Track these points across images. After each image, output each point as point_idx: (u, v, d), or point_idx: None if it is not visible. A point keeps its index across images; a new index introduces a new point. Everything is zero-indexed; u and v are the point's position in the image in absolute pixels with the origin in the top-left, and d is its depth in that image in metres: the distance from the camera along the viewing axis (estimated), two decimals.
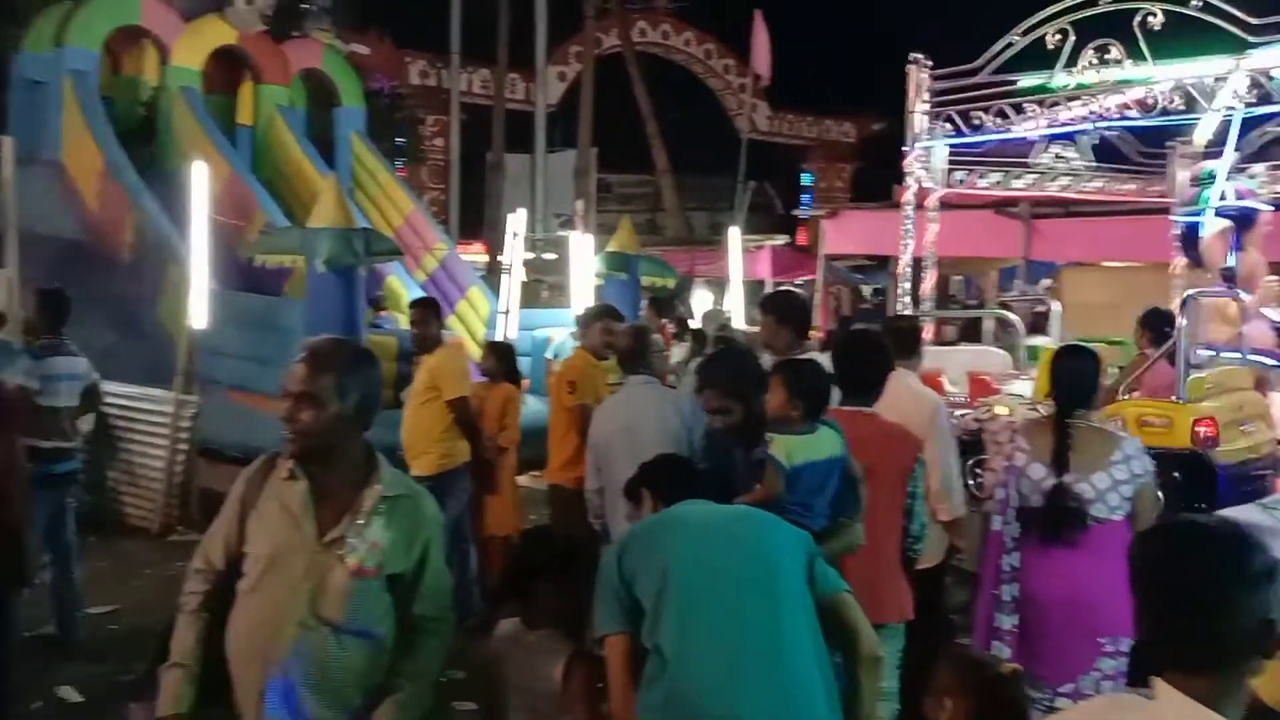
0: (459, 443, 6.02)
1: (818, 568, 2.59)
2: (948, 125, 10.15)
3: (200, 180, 7.76)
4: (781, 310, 4.35)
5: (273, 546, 2.48)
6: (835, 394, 3.61)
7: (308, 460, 2.51)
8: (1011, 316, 11.60)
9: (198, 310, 7.79)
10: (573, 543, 3.28)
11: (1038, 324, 12.59)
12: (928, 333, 10.85)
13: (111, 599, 6.06)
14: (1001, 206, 15.26)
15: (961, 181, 11.43)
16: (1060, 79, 9.26)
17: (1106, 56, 8.93)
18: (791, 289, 11.08)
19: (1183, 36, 8.92)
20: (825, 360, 3.79)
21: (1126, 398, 6.67)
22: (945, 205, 11.47)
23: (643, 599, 2.49)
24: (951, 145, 10.66)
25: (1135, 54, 8.87)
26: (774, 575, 2.51)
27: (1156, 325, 6.86)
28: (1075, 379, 3.78)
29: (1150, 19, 8.74)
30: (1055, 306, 11.26)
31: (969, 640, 4.78)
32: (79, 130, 11.55)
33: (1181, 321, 6.53)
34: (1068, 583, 3.65)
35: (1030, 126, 9.39)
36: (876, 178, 23.56)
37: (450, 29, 20.10)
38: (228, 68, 13.25)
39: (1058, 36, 9.22)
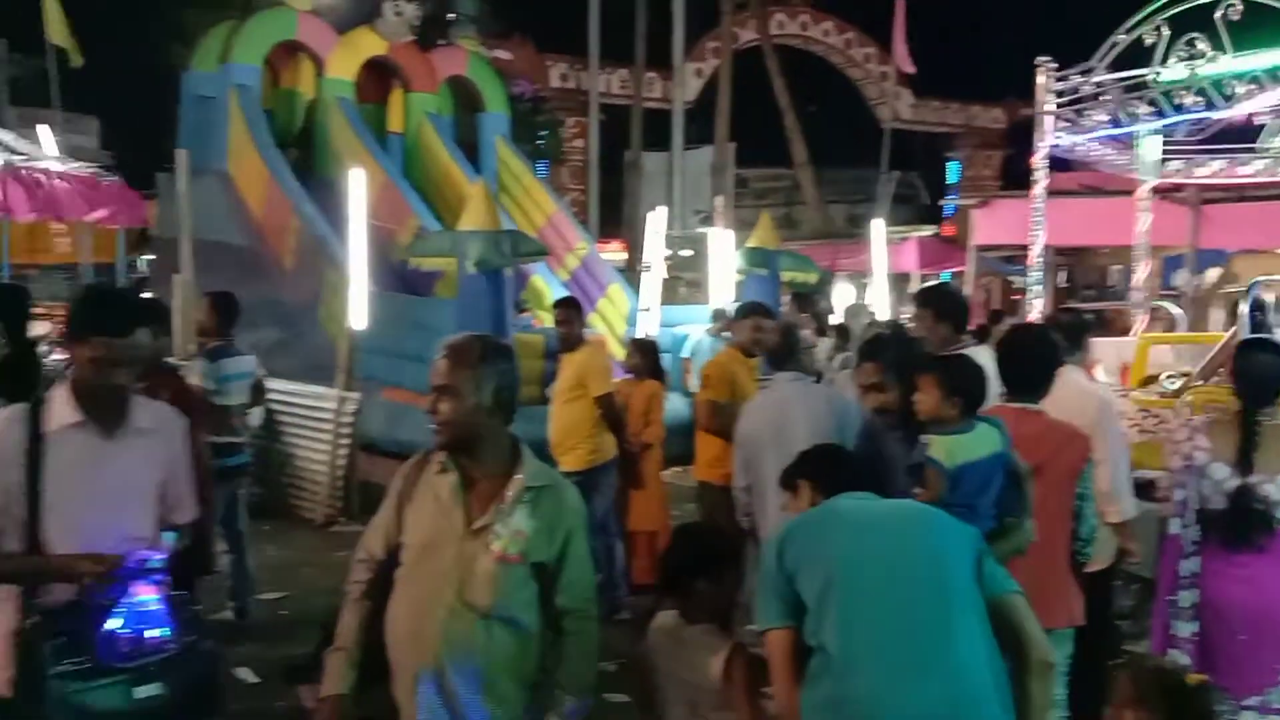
0: (606, 438, 6.08)
1: (986, 567, 2.47)
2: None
3: (358, 186, 8.08)
4: (940, 304, 4.23)
5: (425, 536, 2.58)
6: (994, 388, 3.47)
7: (454, 451, 2.60)
8: (1173, 308, 11.06)
9: (357, 311, 8.11)
10: (728, 538, 3.26)
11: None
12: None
13: (282, 586, 6.38)
14: (1168, 193, 14.43)
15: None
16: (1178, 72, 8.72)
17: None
18: (947, 283, 10.78)
19: None
20: (981, 355, 3.66)
21: None
22: (1105, 192, 10.96)
23: (805, 595, 2.43)
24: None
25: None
26: (944, 573, 2.42)
27: None
28: (1261, 373, 3.54)
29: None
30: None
31: (1140, 647, 4.55)
32: (244, 142, 12.21)
33: None
34: (1253, 589, 3.44)
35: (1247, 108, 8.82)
36: (1029, 165, 22.66)
37: (589, 31, 20.33)
38: (378, 77, 13.78)
39: (1157, 32, 8.74)
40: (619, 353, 9.64)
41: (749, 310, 5.92)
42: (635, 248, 17.13)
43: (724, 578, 2.84)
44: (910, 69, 23.48)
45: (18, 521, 2.53)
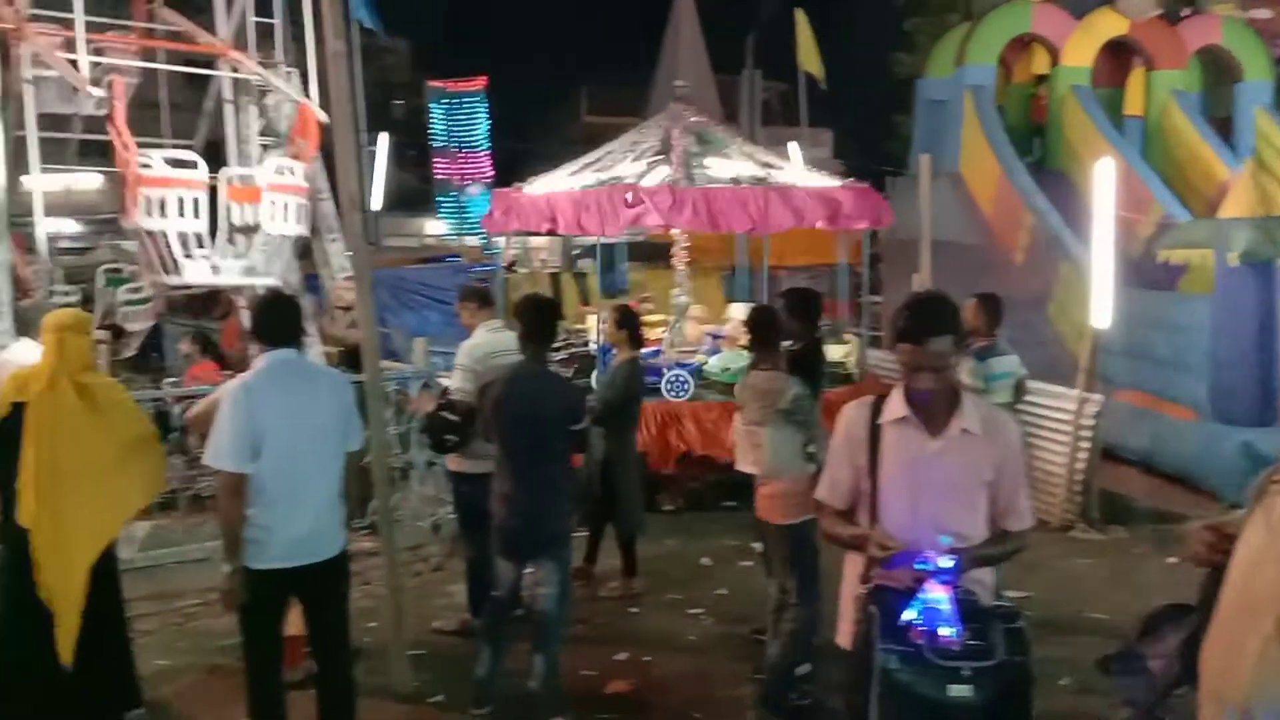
0: None
1: None
2: None
3: (1105, 177, 7.65)
4: None
5: (1247, 561, 2.25)
6: None
7: None
8: None
9: (1100, 309, 7.71)
10: None
11: None
12: None
13: (1022, 586, 6.33)
14: None
15: None
16: None
17: None
18: None
19: None
20: None
21: None
22: None
23: None
24: None
25: None
26: None
27: None
28: None
29: None
30: None
31: None
32: (976, 141, 12.41)
33: None
34: None
35: None
36: None
37: None
38: (1114, 60, 12.98)
39: None
40: None
41: None
42: None
43: None
44: None
45: (865, 497, 2.84)
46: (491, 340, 5.41)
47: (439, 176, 18.04)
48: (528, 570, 4.48)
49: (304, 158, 8.64)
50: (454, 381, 5.39)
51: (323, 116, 8.26)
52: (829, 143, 29.49)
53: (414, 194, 26.36)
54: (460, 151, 17.50)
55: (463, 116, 17.55)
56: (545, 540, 4.43)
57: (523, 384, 4.44)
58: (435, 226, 22.03)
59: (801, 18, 15.10)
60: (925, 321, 2.71)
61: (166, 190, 7.66)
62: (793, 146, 13.03)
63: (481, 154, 17.66)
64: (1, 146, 7.99)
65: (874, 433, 2.83)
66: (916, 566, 2.62)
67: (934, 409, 2.78)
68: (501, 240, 10.28)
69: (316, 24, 8.23)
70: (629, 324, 6.12)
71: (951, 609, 2.61)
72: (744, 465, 5.17)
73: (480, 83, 17.44)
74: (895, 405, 2.83)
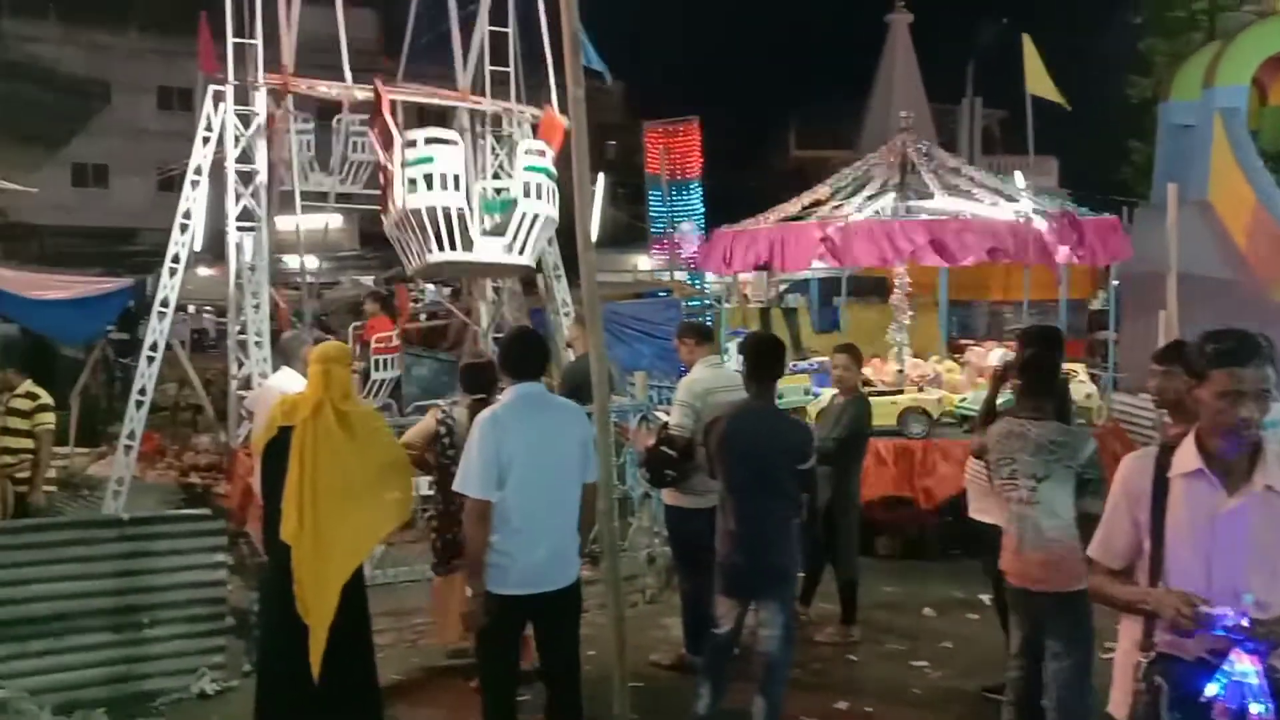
0: None
1: None
2: None
3: None
4: None
5: None
6: None
7: None
8: None
9: None
10: None
11: None
12: None
13: None
14: None
15: None
16: None
17: None
18: None
19: None
20: None
21: None
22: None
23: None
24: None
25: None
26: None
27: None
28: None
29: None
30: None
31: None
32: (1227, 167, 11.48)
33: None
34: None
35: None
36: None
37: None
38: None
39: None
40: None
41: None
42: None
43: None
44: None
45: (1146, 555, 2.62)
46: (710, 376, 5.43)
47: (652, 214, 18.44)
48: (751, 609, 4.43)
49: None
50: (673, 417, 5.43)
51: (565, 122, 8.55)
52: (1054, 170, 28.16)
53: (625, 230, 27.07)
54: (674, 184, 17.81)
55: (678, 150, 17.87)
56: (770, 579, 4.37)
57: (749, 421, 4.42)
58: (645, 261, 22.49)
59: (1028, 42, 14.50)
60: (1243, 346, 2.47)
61: (430, 168, 7.82)
62: (1018, 176, 12.51)
63: (694, 187, 17.93)
64: (265, 192, 8.81)
65: (1159, 486, 2.59)
66: (1220, 633, 2.38)
67: (1233, 461, 2.52)
68: (710, 275, 10.34)
69: (558, 68, 8.59)
70: (858, 363, 6.03)
71: (1261, 683, 2.36)
72: (980, 514, 4.91)
73: (695, 132, 17.65)
74: (1187, 457, 2.57)
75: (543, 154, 8.31)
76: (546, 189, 8.30)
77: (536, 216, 8.22)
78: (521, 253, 8.19)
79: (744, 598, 4.41)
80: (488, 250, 8.10)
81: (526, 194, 8.12)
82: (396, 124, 8.08)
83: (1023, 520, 4.09)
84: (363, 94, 8.70)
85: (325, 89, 8.75)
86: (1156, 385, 3.91)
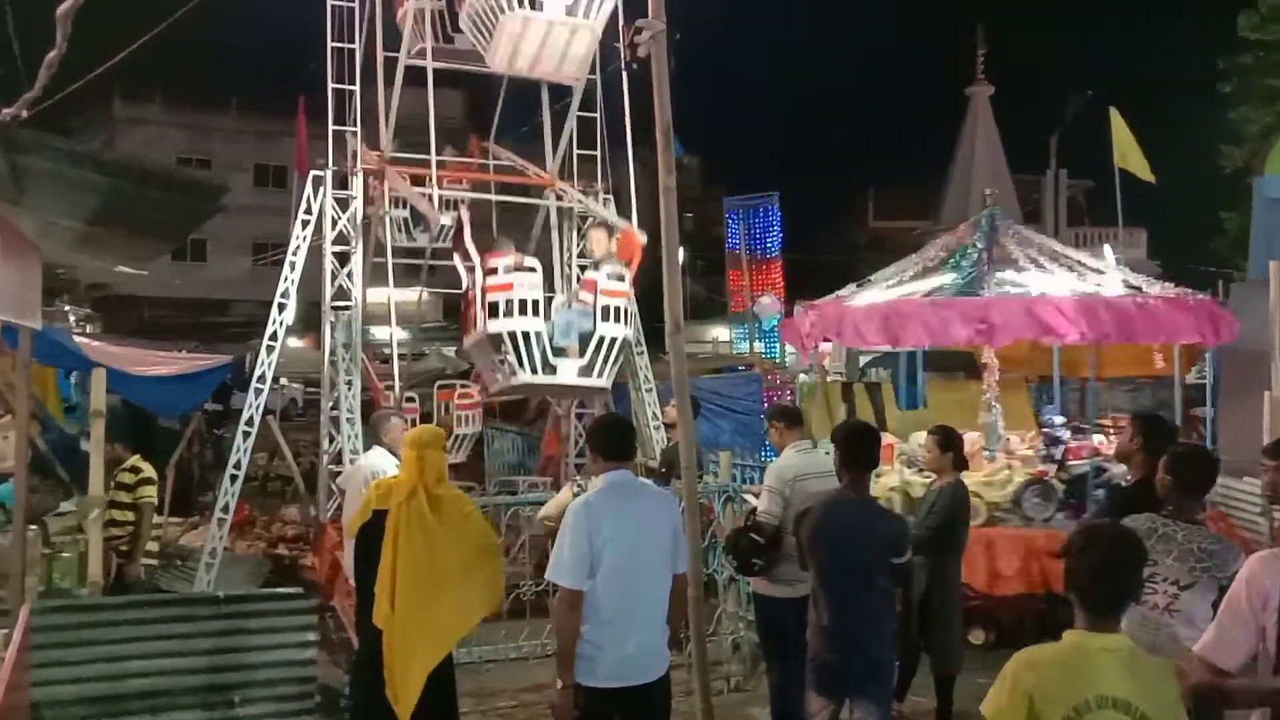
0: None
1: None
2: None
3: None
4: None
5: None
6: None
7: None
8: None
9: None
10: None
11: None
12: None
13: None
14: None
15: None
16: None
17: None
18: None
19: None
20: None
21: None
22: None
23: None
24: None
25: None
26: None
27: None
28: None
29: None
30: None
31: None
32: None
33: None
34: None
35: None
36: None
37: None
38: None
39: None
40: None
41: None
42: None
43: None
44: None
45: (1269, 659, 2.49)
46: (800, 461, 5.34)
47: (732, 288, 18.47)
48: (845, 707, 4.29)
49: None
50: (761, 503, 5.34)
51: (642, 239, 8.66)
52: (1143, 242, 27.54)
53: (704, 303, 27.16)
54: (754, 259, 17.85)
55: (758, 225, 17.94)
56: (865, 677, 4.24)
57: (842, 512, 4.32)
58: (724, 334, 22.46)
59: (1116, 116, 14.30)
60: None
61: (510, 294, 7.95)
62: (1107, 250, 12.27)
63: (774, 262, 17.90)
64: (359, 268, 9.08)
65: None
66: None
67: None
68: (792, 349, 10.27)
69: (638, 153, 8.75)
70: (952, 446, 5.82)
71: None
72: None
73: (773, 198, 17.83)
74: None
75: (621, 278, 8.47)
76: (625, 311, 8.48)
77: (615, 340, 8.37)
78: (600, 375, 8.31)
79: (838, 695, 4.28)
80: (567, 373, 8.23)
81: (605, 318, 8.30)
82: (471, 251, 8.27)
83: (1157, 628, 3.71)
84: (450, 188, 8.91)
85: (417, 194, 8.91)
86: (1269, 481, 3.74)
